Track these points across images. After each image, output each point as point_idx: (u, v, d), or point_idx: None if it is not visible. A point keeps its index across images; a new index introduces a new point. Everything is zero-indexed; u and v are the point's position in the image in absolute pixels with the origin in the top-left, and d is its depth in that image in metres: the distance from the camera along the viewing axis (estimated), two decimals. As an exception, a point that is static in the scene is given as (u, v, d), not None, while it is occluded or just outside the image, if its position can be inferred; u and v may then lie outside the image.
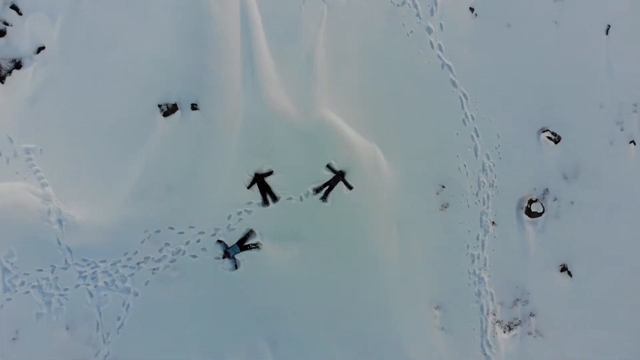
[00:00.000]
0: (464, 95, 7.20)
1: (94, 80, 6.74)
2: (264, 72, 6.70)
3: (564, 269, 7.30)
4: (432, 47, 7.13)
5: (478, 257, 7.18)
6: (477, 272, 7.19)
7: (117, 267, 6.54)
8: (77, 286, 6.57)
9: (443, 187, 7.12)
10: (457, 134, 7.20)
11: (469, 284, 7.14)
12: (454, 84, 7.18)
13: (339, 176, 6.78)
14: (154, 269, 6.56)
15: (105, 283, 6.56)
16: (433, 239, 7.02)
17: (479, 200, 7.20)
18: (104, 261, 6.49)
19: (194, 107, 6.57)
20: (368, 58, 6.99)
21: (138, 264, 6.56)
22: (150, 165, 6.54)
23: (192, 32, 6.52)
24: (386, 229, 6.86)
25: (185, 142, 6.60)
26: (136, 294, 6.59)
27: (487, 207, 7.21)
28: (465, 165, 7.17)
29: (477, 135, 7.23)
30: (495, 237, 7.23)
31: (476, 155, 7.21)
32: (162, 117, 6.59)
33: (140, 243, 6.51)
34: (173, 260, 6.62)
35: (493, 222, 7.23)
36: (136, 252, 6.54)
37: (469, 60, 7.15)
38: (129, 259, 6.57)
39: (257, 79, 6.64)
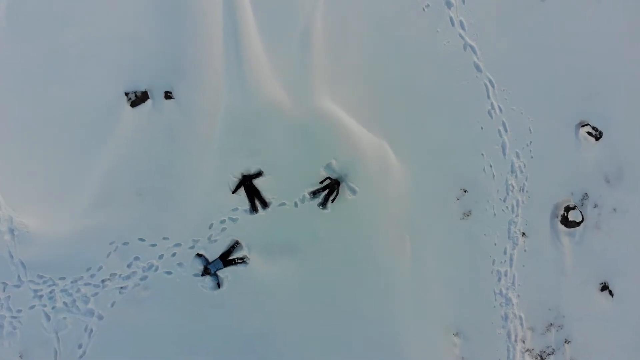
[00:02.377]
0: (490, 82, 6.47)
1: (48, 63, 6.01)
2: (251, 54, 6.04)
3: (604, 287, 6.63)
4: (453, 24, 6.45)
5: (505, 275, 6.45)
6: (504, 292, 6.45)
7: (78, 285, 5.94)
8: (32, 307, 5.99)
9: (465, 191, 6.41)
10: (481, 128, 6.45)
11: (494, 307, 6.41)
12: (478, 68, 6.46)
13: (341, 178, 6.15)
14: (121, 287, 5.94)
15: (65, 304, 5.97)
16: (452, 253, 6.33)
17: (507, 208, 6.47)
18: (63, 278, 5.90)
19: (167, 95, 5.96)
20: (375, 37, 6.34)
21: (103, 281, 5.95)
22: (116, 164, 5.92)
23: (166, 5, 5.94)
24: (396, 241, 6.21)
25: (157, 138, 5.96)
26: (100, 318, 5.96)
27: (517, 216, 6.46)
28: (491, 166, 6.42)
29: (506, 130, 6.48)
30: (525, 250, 6.49)
31: (504, 153, 6.47)
32: (130, 107, 5.95)
33: (105, 257, 5.90)
34: (144, 278, 6.00)
35: (523, 233, 6.50)
36: (100, 268, 5.93)
37: (496, 40, 6.45)
38: (92, 276, 5.95)
39: (242, 62, 5.99)
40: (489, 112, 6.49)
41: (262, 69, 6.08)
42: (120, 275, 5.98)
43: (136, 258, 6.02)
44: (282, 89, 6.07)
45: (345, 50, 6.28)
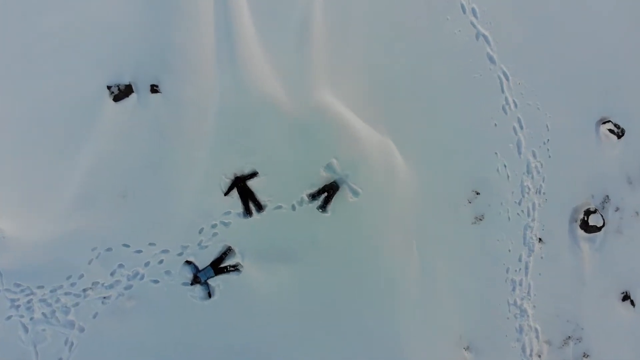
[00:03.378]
0: (505, 74, 6.16)
1: (22, 54, 5.64)
2: (245, 44, 5.73)
3: (626, 297, 6.42)
4: (464, 11, 6.13)
5: (520, 284, 6.18)
6: (519, 302, 6.18)
7: (57, 294, 5.60)
8: (9, 318, 5.69)
9: (477, 193, 6.09)
10: (495, 124, 6.11)
11: (508, 318, 6.10)
12: (491, 60, 6.15)
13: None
14: (104, 297, 5.59)
15: (44, 315, 5.64)
16: (463, 260, 6.00)
17: (523, 211, 6.16)
18: (42, 287, 5.55)
19: (154, 89, 5.61)
20: (380, 26, 6.00)
21: (84, 291, 5.60)
22: (97, 164, 5.58)
23: (152, -9, 5.69)
24: (403, 248, 5.89)
25: (143, 135, 5.60)
26: (82, 330, 5.62)
27: (533, 220, 6.18)
28: (505, 166, 6.11)
29: (521, 127, 6.17)
30: (542, 258, 6.20)
31: (519, 152, 6.17)
32: (113, 102, 5.59)
33: (87, 264, 5.54)
34: (128, 287, 5.66)
35: (540, 239, 6.22)
36: (82, 276, 5.57)
37: (512, 29, 6.17)
38: (72, 285, 5.59)
39: (236, 53, 5.67)
40: (503, 108, 6.15)
41: (257, 60, 5.76)
42: (103, 284, 5.63)
43: (120, 265, 5.66)
44: (279, 82, 5.73)
45: (348, 40, 5.95)
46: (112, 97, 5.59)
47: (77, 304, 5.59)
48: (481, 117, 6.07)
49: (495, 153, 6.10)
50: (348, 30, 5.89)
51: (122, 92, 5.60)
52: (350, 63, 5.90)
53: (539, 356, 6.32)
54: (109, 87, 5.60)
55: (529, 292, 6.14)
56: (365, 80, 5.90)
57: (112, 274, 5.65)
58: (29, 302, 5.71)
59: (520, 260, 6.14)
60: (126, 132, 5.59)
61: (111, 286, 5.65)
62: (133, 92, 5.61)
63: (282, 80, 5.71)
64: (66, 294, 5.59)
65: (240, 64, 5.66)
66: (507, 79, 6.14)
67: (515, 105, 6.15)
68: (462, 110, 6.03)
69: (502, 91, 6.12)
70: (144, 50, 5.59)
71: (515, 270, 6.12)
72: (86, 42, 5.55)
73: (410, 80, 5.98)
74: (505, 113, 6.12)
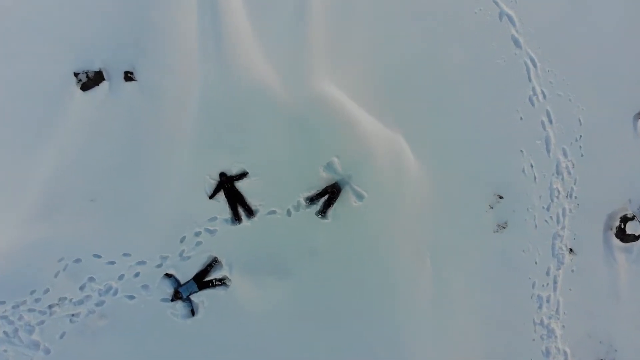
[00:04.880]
0: (532, 60, 5.79)
1: None
2: (233, 26, 5.40)
3: None
4: None
5: (548, 301, 5.74)
6: (546, 322, 5.73)
7: (20, 311, 5.30)
8: None
9: (500, 197, 5.70)
10: (520, 118, 5.75)
11: (533, 340, 5.68)
12: (517, 43, 5.78)
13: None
14: (72, 315, 5.31)
15: (5, 334, 5.34)
16: (483, 274, 5.62)
17: (551, 218, 5.77)
18: (3, 302, 5.27)
19: (128, 76, 5.33)
20: (389, 5, 5.69)
21: (50, 307, 5.31)
22: (63, 164, 5.27)
23: (126, -37, 5.32)
24: (414, 260, 5.49)
25: (115, 129, 5.31)
26: (47, 351, 5.30)
27: (563, 228, 5.79)
28: (532, 166, 5.75)
29: (550, 122, 5.80)
30: (573, 271, 5.79)
31: (548, 150, 5.79)
32: (80, 90, 5.32)
33: (53, 277, 5.27)
34: (100, 303, 5.35)
35: (570, 250, 5.81)
36: (47, 291, 5.30)
37: (539, 8, 5.81)
38: (37, 301, 5.30)
39: (222, 36, 5.35)
40: (530, 99, 5.80)
41: (247, 43, 5.45)
42: (71, 300, 5.34)
43: (90, 279, 5.37)
44: (272, 70, 5.42)
45: (351, 22, 5.66)
46: (79, 86, 5.32)
47: (42, 322, 5.34)
48: (505, 110, 5.74)
49: (521, 151, 5.75)
50: (352, 9, 5.62)
51: (91, 80, 5.33)
52: (355, 47, 5.60)
53: (568, 382, 5.90)
54: (76, 74, 5.33)
55: (557, 310, 5.76)
56: (372, 67, 5.62)
57: (81, 289, 5.37)
58: (-13, 319, 5.42)
59: (548, 273, 5.78)
60: (96, 125, 5.32)
61: (80, 302, 5.37)
62: (104, 79, 5.35)
63: (275, 67, 5.43)
64: (30, 310, 5.34)
65: (228, 48, 5.35)
66: (535, 66, 5.80)
67: (544, 96, 5.80)
68: (482, 102, 5.70)
69: (529, 80, 5.79)
70: (117, 31, 5.31)
71: (543, 285, 5.75)
72: (50, 20, 5.30)
73: (423, 67, 5.67)
74: (533, 105, 5.77)
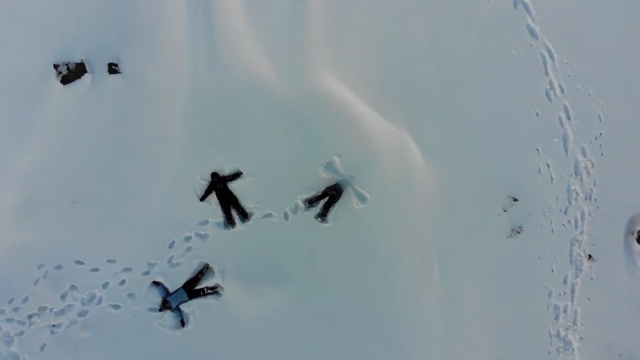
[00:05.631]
0: (549, 52, 5.57)
1: None
2: (226, 14, 5.16)
3: None
4: None
5: (565, 311, 5.51)
6: (563, 333, 5.49)
7: None
8: None
9: (514, 200, 5.46)
10: (536, 114, 5.52)
11: (549, 353, 5.46)
12: (532, 33, 5.55)
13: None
14: (53, 325, 5.12)
15: None
16: (495, 282, 5.40)
17: (569, 222, 5.55)
18: None
19: (112, 68, 5.11)
20: None
21: (29, 317, 5.10)
22: (43, 163, 5.07)
23: (109, -54, 5.05)
24: (421, 267, 5.26)
25: (98, 125, 5.09)
26: None
27: (581, 232, 5.56)
28: (548, 166, 5.52)
29: (568, 118, 5.57)
30: (591, 279, 5.57)
31: (566, 149, 5.56)
32: (61, 84, 5.11)
33: (33, 285, 5.07)
34: (83, 313, 5.16)
35: (589, 256, 5.59)
36: (26, 300, 5.09)
37: None
38: (15, 310, 5.09)
39: (214, 25, 5.10)
40: (546, 93, 5.57)
41: (241, 33, 5.20)
42: (52, 310, 5.12)
43: (72, 287, 5.16)
44: (268, 62, 5.18)
45: (354, 10, 5.41)
46: (60, 79, 5.10)
47: (21, 333, 5.14)
48: (520, 105, 5.50)
49: (537, 149, 5.52)
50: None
51: (72, 73, 5.10)
52: (358, 37, 5.36)
53: (586, 398, 5.67)
54: (56, 66, 5.10)
55: (575, 321, 5.53)
56: (377, 58, 5.36)
57: (62, 297, 5.17)
58: (-37, 330, 5.24)
59: (565, 282, 5.55)
60: (77, 122, 5.08)
61: (62, 312, 5.16)
62: (86, 72, 5.13)
63: (271, 58, 5.19)
64: (8, 320, 5.14)
65: (220, 38, 5.10)
66: (552, 58, 5.58)
67: (562, 91, 5.57)
68: (496, 96, 5.46)
69: (546, 72, 5.56)
70: (100, 19, 5.04)
71: (560, 295, 5.51)
72: (27, 7, 5.01)
73: (432, 59, 5.42)
74: (550, 100, 5.54)
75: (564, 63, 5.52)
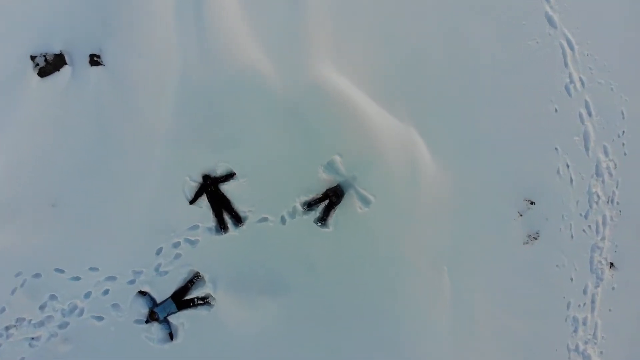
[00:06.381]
0: (569, 42, 5.33)
1: None
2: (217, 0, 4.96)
3: None
4: None
5: (584, 323, 5.27)
6: (582, 347, 5.25)
7: None
8: None
9: (531, 203, 5.22)
10: (555, 110, 5.28)
11: None
12: (551, 21, 5.30)
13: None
14: (32, 338, 4.95)
15: None
16: (509, 292, 5.15)
17: (590, 227, 5.31)
18: None
19: (94, 60, 4.89)
20: None
21: (7, 329, 4.96)
22: (19, 163, 4.86)
23: None
24: (430, 276, 5.04)
25: (79, 121, 4.88)
26: None
27: (602, 239, 5.33)
28: (568, 166, 5.26)
29: (589, 114, 5.32)
30: (613, 288, 5.33)
31: (587, 148, 5.31)
32: (38, 76, 4.91)
33: (10, 295, 4.91)
34: (63, 325, 4.97)
35: (611, 264, 5.36)
36: (3, 310, 4.92)
37: None
38: None
39: (204, 12, 4.88)
40: (566, 87, 5.30)
41: (233, 21, 4.97)
42: (30, 321, 4.95)
43: (52, 297, 4.96)
44: (263, 52, 4.93)
45: None
46: (37, 71, 4.88)
47: None
48: (537, 100, 5.25)
49: (555, 148, 5.26)
50: (358, -17, 5.17)
51: (50, 64, 4.88)
52: (361, 25, 5.12)
53: (607, 417, 5.42)
54: (32, 58, 4.88)
55: (595, 334, 5.29)
56: (382, 49, 5.12)
57: (41, 308, 4.96)
58: None
59: (585, 292, 5.28)
60: (56, 118, 4.86)
61: (41, 324, 4.98)
62: (66, 64, 4.91)
63: (267, 48, 4.96)
64: None
65: (211, 26, 4.87)
66: (572, 49, 5.32)
67: (583, 85, 5.33)
68: (510, 90, 5.21)
69: (565, 65, 5.30)
70: (81, 6, 4.82)
71: (579, 306, 5.25)
72: None
73: (441, 49, 5.16)
74: (569, 95, 5.30)
75: (585, 55, 5.27)
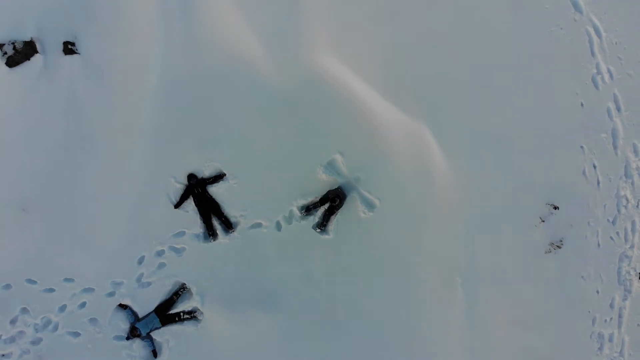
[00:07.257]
0: (596, 29, 5.05)
1: None
2: None
3: None
4: None
5: (610, 340, 4.95)
6: None
7: None
8: None
9: (554, 208, 4.92)
10: (581, 104, 4.99)
11: None
12: (576, 6, 5.02)
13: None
14: (2, 355, 4.77)
15: None
16: (529, 305, 4.86)
17: (618, 234, 4.96)
18: None
19: (68, 48, 4.64)
20: None
21: None
22: None
23: None
24: (441, 287, 4.76)
25: (51, 116, 4.63)
26: None
27: (631, 247, 4.99)
28: (594, 167, 4.98)
29: (618, 109, 5.03)
30: None
31: (615, 146, 5.00)
32: (6, 66, 4.69)
33: None
34: (36, 341, 4.77)
35: None
36: None
37: None
38: None
39: None
40: (593, 79, 5.01)
41: (223, 7, 4.71)
42: (0, 337, 4.70)
43: (24, 310, 4.74)
44: (257, 40, 4.66)
45: None
46: (4, 60, 4.66)
47: None
48: (561, 93, 4.95)
49: (581, 147, 4.98)
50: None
51: (19, 53, 4.65)
52: (366, 10, 4.83)
53: None
54: (0, 46, 4.63)
55: (621, 352, 4.96)
56: (389, 37, 4.84)
57: (12, 323, 4.79)
58: None
59: (612, 305, 4.94)
60: (26, 112, 4.61)
61: (12, 340, 4.79)
62: (37, 52, 4.67)
63: (260, 35, 4.68)
64: None
65: (198, 10, 4.56)
66: (600, 37, 5.02)
67: (611, 76, 5.03)
68: (532, 82, 4.90)
69: (592, 54, 5.00)
70: None
71: (605, 321, 4.92)
72: None
73: (455, 35, 4.86)
74: (597, 87, 5.01)
75: (614, 43, 4.94)
